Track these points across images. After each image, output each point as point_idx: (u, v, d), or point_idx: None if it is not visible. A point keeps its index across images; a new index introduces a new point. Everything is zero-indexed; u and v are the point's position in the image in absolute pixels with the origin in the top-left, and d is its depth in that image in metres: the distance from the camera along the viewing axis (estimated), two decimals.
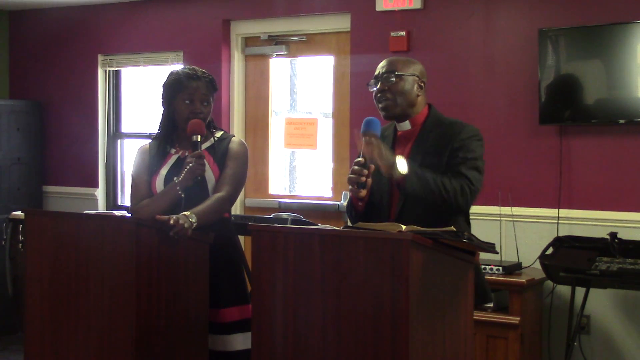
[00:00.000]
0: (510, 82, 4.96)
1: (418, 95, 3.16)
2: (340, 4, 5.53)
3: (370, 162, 2.99)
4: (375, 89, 3.17)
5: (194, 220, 3.15)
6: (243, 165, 3.44)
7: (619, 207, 4.63)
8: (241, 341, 3.35)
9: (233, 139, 3.47)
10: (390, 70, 3.14)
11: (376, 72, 3.18)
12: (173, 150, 3.45)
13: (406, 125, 3.17)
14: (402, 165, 2.92)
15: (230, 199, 3.38)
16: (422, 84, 3.18)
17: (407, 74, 3.14)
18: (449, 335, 2.73)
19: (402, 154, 3.10)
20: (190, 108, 3.38)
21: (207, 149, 3.42)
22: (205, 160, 3.33)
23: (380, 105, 3.16)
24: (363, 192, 3.00)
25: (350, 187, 3.02)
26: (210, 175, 3.35)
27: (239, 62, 5.99)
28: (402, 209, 3.06)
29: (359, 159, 2.98)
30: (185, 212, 3.16)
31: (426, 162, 3.05)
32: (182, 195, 3.27)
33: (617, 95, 4.58)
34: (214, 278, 3.32)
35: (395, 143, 3.19)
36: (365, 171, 2.97)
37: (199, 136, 3.33)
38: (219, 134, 3.49)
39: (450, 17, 5.14)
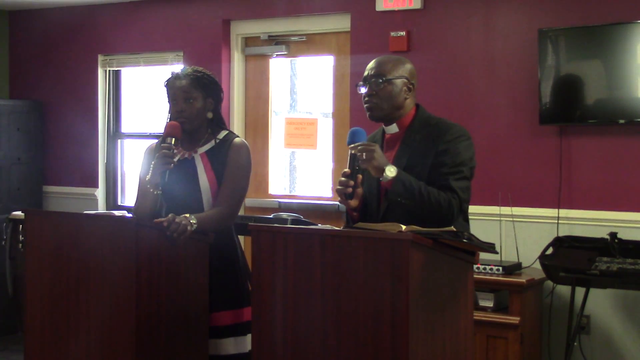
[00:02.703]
0: (510, 82, 4.96)
1: (406, 98, 3.14)
2: (340, 4, 5.53)
3: (358, 172, 3.00)
4: (363, 91, 3.16)
5: (194, 222, 3.15)
6: (244, 175, 3.38)
7: (619, 207, 4.63)
8: (233, 345, 3.32)
9: (234, 141, 3.39)
10: (378, 73, 3.11)
11: (365, 73, 3.16)
12: (175, 151, 3.40)
13: (393, 128, 3.16)
14: (391, 170, 2.92)
15: (233, 216, 3.35)
16: (411, 86, 3.15)
17: (396, 77, 3.11)
18: (449, 335, 2.73)
19: (389, 157, 3.11)
20: (174, 107, 3.36)
21: (207, 152, 3.38)
22: (202, 163, 3.33)
23: (366, 107, 3.16)
24: (353, 203, 3.01)
25: (339, 198, 3.03)
26: (204, 182, 3.32)
27: (239, 62, 5.99)
28: (388, 214, 3.05)
29: (346, 170, 3.00)
30: (186, 215, 3.16)
31: (412, 163, 3.04)
32: (156, 192, 3.26)
33: (617, 95, 4.58)
34: (214, 280, 3.30)
35: (383, 146, 3.19)
36: (352, 182, 2.97)
37: (174, 139, 3.27)
38: (222, 134, 3.42)
39: (450, 17, 5.14)
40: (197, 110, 3.36)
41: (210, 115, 3.41)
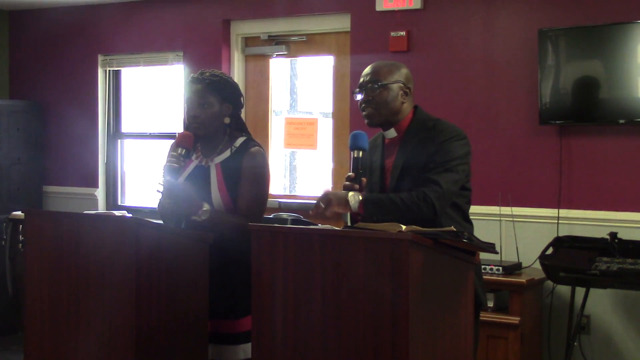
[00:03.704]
0: (510, 82, 4.96)
1: (403, 102, 3.13)
2: (340, 4, 5.53)
3: (362, 176, 3.00)
4: (359, 98, 3.14)
5: (206, 209, 3.16)
6: (261, 184, 3.30)
7: (619, 207, 4.63)
8: None
9: (250, 150, 3.28)
10: (373, 79, 3.11)
11: (361, 80, 3.15)
12: (194, 156, 3.37)
13: (392, 132, 3.16)
14: (353, 198, 2.95)
15: None
16: (408, 90, 3.15)
17: (391, 82, 3.10)
18: (449, 335, 2.73)
19: (390, 161, 3.13)
20: (189, 112, 3.30)
21: (222, 162, 3.30)
22: (216, 174, 3.29)
23: (363, 114, 3.15)
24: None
25: None
26: (215, 194, 3.26)
27: (239, 62, 5.99)
28: None
29: (350, 174, 3.00)
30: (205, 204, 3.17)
31: (408, 166, 3.04)
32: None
33: (617, 95, 4.58)
34: (232, 288, 3.28)
35: (384, 151, 3.20)
36: (357, 186, 2.97)
37: (184, 150, 3.25)
38: (239, 142, 3.33)
39: (450, 17, 5.14)
40: (212, 115, 3.29)
41: (227, 120, 3.34)
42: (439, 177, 2.97)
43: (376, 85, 3.09)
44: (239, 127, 3.40)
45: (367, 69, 3.17)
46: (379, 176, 3.14)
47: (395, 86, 3.11)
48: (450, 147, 3.03)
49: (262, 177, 3.31)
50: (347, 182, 2.99)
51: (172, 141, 3.42)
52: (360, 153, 3.03)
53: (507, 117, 4.97)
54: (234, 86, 3.38)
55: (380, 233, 2.61)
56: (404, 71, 3.16)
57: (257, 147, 3.33)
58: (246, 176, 3.27)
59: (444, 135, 3.06)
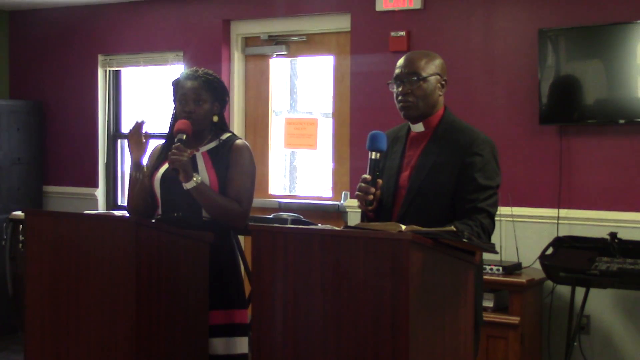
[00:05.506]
0: (510, 82, 4.96)
1: (440, 95, 3.09)
2: (340, 4, 5.53)
3: (378, 177, 2.96)
4: (397, 90, 3.08)
5: (197, 179, 3.20)
6: (248, 176, 3.37)
7: (619, 207, 4.63)
8: (223, 346, 3.30)
9: (236, 143, 3.39)
10: (412, 71, 3.04)
11: (397, 71, 3.08)
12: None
13: (420, 127, 3.11)
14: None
15: (242, 215, 3.31)
16: (444, 82, 3.11)
17: (430, 75, 3.05)
18: (449, 335, 2.73)
19: (413, 155, 3.08)
20: (183, 107, 3.37)
21: (209, 151, 3.38)
22: (203, 161, 3.33)
23: (400, 106, 3.09)
24: (371, 207, 2.99)
25: (358, 203, 3.00)
26: (205, 179, 3.30)
27: (239, 62, 5.99)
28: (406, 213, 3.03)
29: (366, 176, 2.95)
30: (196, 174, 3.22)
31: (437, 166, 2.99)
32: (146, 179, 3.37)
33: (617, 95, 4.58)
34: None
35: (407, 144, 3.16)
36: (373, 189, 2.94)
37: (184, 135, 3.28)
38: (225, 136, 3.43)
39: (450, 17, 5.14)
40: (205, 112, 3.38)
41: (216, 118, 3.43)
42: (486, 204, 2.99)
43: (415, 78, 3.03)
44: (224, 127, 3.49)
45: (403, 61, 3.09)
46: (397, 166, 3.11)
47: (433, 79, 3.06)
48: (489, 162, 3.01)
49: (249, 171, 3.39)
50: (363, 184, 2.95)
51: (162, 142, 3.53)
52: (378, 155, 2.98)
53: (507, 117, 4.97)
54: (224, 86, 3.49)
55: (380, 233, 2.61)
56: (439, 62, 3.11)
57: (243, 141, 3.44)
58: (234, 168, 3.35)
59: (477, 145, 3.02)
